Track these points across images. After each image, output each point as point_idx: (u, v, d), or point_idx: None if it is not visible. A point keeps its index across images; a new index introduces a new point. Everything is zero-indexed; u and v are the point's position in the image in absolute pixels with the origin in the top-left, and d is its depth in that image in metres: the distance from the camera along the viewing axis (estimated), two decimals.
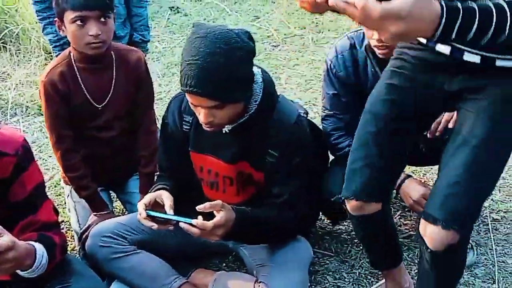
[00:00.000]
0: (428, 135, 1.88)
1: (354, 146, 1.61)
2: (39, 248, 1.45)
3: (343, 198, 1.64)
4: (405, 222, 2.35)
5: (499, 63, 1.33)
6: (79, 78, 2.05)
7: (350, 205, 1.64)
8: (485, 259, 2.14)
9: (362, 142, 1.58)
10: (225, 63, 1.54)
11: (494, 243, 2.22)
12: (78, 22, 1.91)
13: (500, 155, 1.44)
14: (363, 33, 1.97)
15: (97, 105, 2.09)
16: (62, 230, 1.91)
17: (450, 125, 1.83)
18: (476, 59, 1.33)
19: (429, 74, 1.46)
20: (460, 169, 1.40)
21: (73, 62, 2.05)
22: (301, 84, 3.59)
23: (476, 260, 2.12)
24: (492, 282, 2.04)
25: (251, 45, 1.62)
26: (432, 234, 1.44)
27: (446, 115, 1.84)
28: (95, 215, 2.16)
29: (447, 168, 1.44)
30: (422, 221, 1.48)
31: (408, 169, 2.62)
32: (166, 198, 1.71)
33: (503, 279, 2.05)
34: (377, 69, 1.93)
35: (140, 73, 2.14)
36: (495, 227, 2.31)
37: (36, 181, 1.55)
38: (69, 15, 1.92)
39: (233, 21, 4.55)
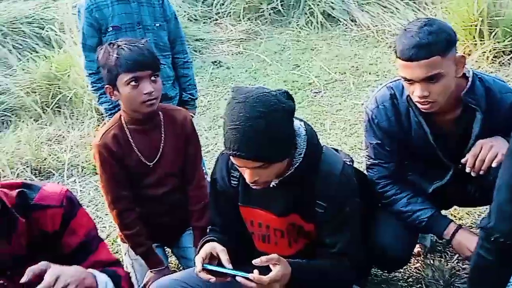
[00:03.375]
0: (471, 173, 1.86)
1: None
2: (100, 274, 1.45)
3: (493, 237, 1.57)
4: (463, 267, 2.29)
5: None
6: (131, 139, 2.14)
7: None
8: None
9: None
10: (266, 126, 1.58)
11: None
12: (133, 83, 2.02)
13: None
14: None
15: (149, 163, 2.17)
16: None
17: (494, 165, 1.81)
18: None
19: None
20: None
21: (124, 124, 2.15)
22: (346, 128, 3.61)
23: None
24: None
25: (290, 104, 1.65)
26: None
27: (483, 150, 1.82)
28: (151, 271, 2.21)
29: None
30: None
31: (462, 211, 2.57)
32: (221, 252, 1.73)
33: None
34: (421, 118, 1.93)
35: (187, 130, 2.22)
36: None
37: (88, 226, 1.57)
38: (123, 78, 2.02)
39: (274, 70, 4.65)
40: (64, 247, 1.52)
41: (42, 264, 1.31)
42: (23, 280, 1.26)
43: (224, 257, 1.70)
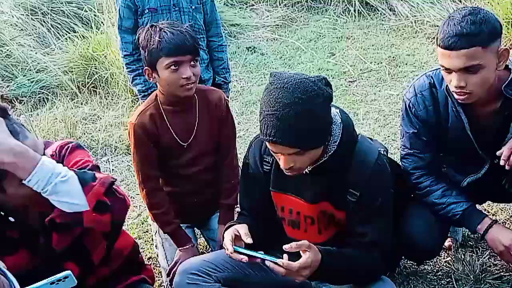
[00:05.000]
0: (506, 166, 1.82)
1: None
2: (52, 162, 1.43)
3: None
4: (494, 263, 2.25)
5: None
6: (166, 120, 2.17)
7: None
8: None
9: None
10: (303, 113, 1.58)
11: None
12: (173, 67, 2.04)
13: None
14: None
15: (183, 143, 2.20)
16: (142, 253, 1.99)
17: None
18: None
19: None
20: None
21: (160, 104, 2.17)
22: (379, 119, 3.57)
23: None
24: None
25: (328, 92, 1.65)
26: None
27: None
28: (180, 249, 2.25)
29: None
30: None
31: (496, 206, 2.53)
32: (240, 228, 1.75)
33: None
34: (459, 108, 1.89)
35: (222, 111, 2.24)
36: None
37: (78, 160, 1.62)
38: (163, 61, 2.04)
39: (309, 58, 4.62)
40: None
41: None
42: None
43: (243, 232, 1.72)
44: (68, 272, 1.35)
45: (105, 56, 4.29)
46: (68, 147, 1.64)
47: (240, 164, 2.11)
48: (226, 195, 2.30)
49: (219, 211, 2.36)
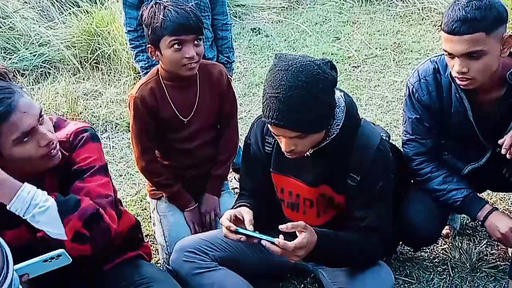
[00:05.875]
0: (507, 155, 1.81)
1: None
2: (33, 189, 1.46)
3: None
4: (491, 252, 2.26)
5: None
6: (167, 94, 2.17)
7: None
8: None
9: None
10: (306, 96, 1.56)
11: None
12: (176, 46, 2.03)
13: None
14: None
15: (184, 119, 2.20)
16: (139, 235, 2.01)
17: None
18: None
19: None
20: None
21: (161, 79, 2.17)
22: (382, 105, 3.55)
23: None
24: None
25: (332, 75, 1.63)
26: None
27: None
28: (186, 211, 2.30)
29: None
30: None
31: (496, 196, 2.52)
32: (246, 213, 1.74)
33: None
34: (462, 95, 1.88)
35: (223, 85, 2.25)
36: None
37: (92, 160, 1.63)
38: (166, 40, 2.03)
39: (313, 42, 4.58)
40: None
41: None
42: None
43: (247, 218, 1.71)
44: (61, 250, 1.35)
45: (108, 32, 4.25)
46: (83, 137, 1.63)
47: (241, 144, 2.10)
48: (218, 166, 2.34)
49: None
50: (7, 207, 1.43)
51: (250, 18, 5.11)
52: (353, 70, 4.07)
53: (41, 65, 4.22)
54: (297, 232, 1.62)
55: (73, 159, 1.61)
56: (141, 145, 2.22)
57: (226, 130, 2.33)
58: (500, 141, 1.83)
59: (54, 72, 4.17)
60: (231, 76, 2.75)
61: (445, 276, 2.16)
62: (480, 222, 1.97)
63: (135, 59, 2.75)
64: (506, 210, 2.48)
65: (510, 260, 2.11)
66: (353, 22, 4.89)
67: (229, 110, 2.30)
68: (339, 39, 4.60)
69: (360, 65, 4.13)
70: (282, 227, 1.60)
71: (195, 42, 2.06)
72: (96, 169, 1.62)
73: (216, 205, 2.34)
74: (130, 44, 2.72)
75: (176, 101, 2.18)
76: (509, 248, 2.21)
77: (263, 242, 1.62)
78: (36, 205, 1.44)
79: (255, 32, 4.87)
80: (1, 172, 1.43)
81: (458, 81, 1.83)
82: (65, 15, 4.64)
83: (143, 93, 2.15)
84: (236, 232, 1.68)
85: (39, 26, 4.49)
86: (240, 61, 4.28)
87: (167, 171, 2.29)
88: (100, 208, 1.56)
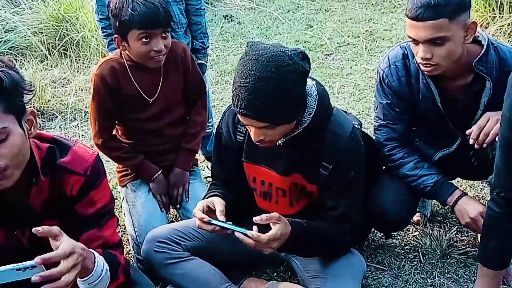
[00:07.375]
0: (475, 145, 1.84)
1: None
2: (100, 257, 1.42)
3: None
4: (461, 238, 2.29)
5: None
6: (130, 74, 2.15)
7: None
8: None
9: None
10: (275, 88, 1.54)
11: None
12: (144, 39, 2.03)
13: None
14: None
15: (149, 98, 2.18)
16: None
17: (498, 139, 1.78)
18: None
19: None
20: None
21: (124, 60, 2.16)
22: (354, 93, 3.56)
23: None
24: None
25: (304, 67, 1.60)
26: None
27: (489, 123, 1.79)
28: (152, 183, 2.28)
29: None
30: None
31: (465, 183, 2.56)
32: (218, 204, 1.73)
33: None
34: (429, 81, 1.90)
35: (187, 63, 2.24)
36: None
37: (106, 199, 1.55)
38: (135, 33, 2.02)
39: (286, 29, 4.56)
40: (76, 212, 1.51)
41: (56, 229, 1.29)
42: (35, 230, 1.25)
43: (218, 208, 1.70)
44: (35, 261, 1.25)
45: (77, 18, 4.16)
46: (99, 172, 1.52)
47: (214, 131, 2.08)
48: (188, 139, 2.33)
49: (190, 179, 2.34)
50: (82, 281, 1.37)
51: (222, 5, 5.06)
52: (326, 58, 4.07)
53: (7, 51, 4.11)
54: (271, 224, 1.61)
55: (90, 197, 1.50)
56: (98, 123, 2.21)
57: (193, 106, 2.32)
58: (468, 131, 1.85)
59: (21, 59, 4.07)
60: (206, 62, 2.71)
61: (416, 262, 2.18)
62: (450, 208, 2.00)
63: (108, 47, 2.69)
64: (475, 197, 2.51)
65: (479, 245, 2.14)
66: (325, 10, 4.89)
67: (195, 87, 2.29)
68: (312, 27, 4.59)
69: (333, 53, 4.13)
70: (256, 219, 1.59)
71: (163, 34, 2.06)
72: (110, 211, 1.58)
73: (185, 181, 2.32)
74: (103, 33, 2.66)
75: (140, 81, 2.17)
76: (478, 234, 2.24)
77: (236, 234, 1.61)
78: (104, 280, 1.42)
79: (228, 19, 4.83)
80: (78, 244, 1.35)
81: (422, 67, 1.85)
82: (32, 1, 4.51)
83: (103, 71, 2.14)
84: (210, 223, 1.66)
85: (5, 12, 4.37)
86: (212, 49, 4.24)
87: (129, 149, 2.26)
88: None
